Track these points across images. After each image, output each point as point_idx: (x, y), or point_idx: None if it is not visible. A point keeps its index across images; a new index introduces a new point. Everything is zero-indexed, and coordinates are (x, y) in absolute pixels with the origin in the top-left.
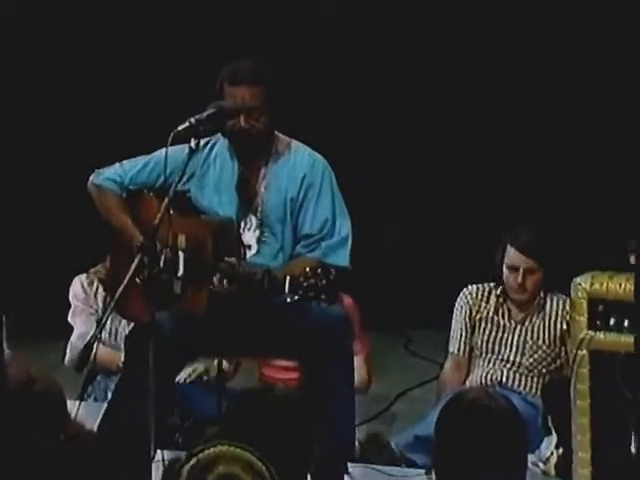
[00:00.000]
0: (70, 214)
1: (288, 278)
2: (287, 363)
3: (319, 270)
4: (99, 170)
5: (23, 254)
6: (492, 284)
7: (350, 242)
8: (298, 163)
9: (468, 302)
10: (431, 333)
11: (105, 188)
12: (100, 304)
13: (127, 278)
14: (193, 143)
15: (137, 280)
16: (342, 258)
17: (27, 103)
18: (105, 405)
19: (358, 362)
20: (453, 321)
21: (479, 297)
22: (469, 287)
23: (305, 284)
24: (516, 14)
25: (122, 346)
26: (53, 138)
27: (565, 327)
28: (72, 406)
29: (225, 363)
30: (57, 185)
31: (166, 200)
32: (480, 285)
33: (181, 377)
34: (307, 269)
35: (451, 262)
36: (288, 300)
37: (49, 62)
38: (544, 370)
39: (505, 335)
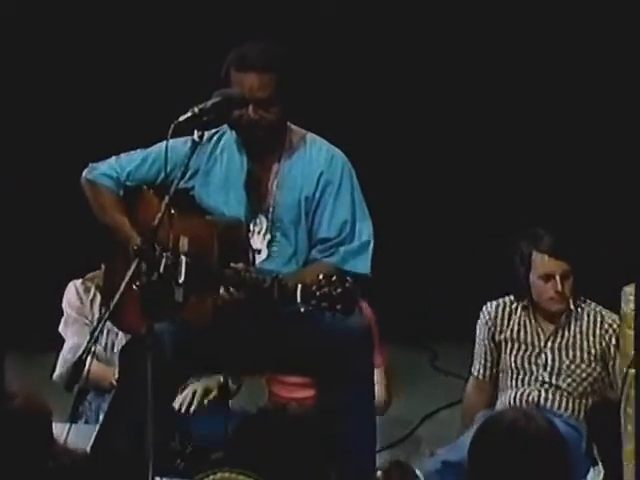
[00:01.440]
0: (66, 212)
1: (300, 286)
2: (300, 380)
3: (334, 277)
4: (93, 164)
5: (10, 255)
6: (514, 297)
7: (372, 247)
8: (314, 158)
9: (487, 322)
10: (460, 347)
11: (99, 184)
12: (96, 313)
13: (123, 285)
14: (196, 135)
15: (134, 287)
16: (363, 264)
17: (16, 94)
18: (97, 428)
19: (376, 376)
20: (476, 342)
21: (500, 315)
22: (488, 305)
23: (318, 293)
24: (525, 14)
25: (116, 361)
26: (44, 129)
27: (614, 342)
28: (61, 429)
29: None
30: (49, 180)
31: (167, 198)
32: (501, 301)
33: (180, 404)
34: (320, 276)
35: (481, 269)
36: (301, 310)
37: (43, 45)
38: (587, 391)
39: (536, 353)
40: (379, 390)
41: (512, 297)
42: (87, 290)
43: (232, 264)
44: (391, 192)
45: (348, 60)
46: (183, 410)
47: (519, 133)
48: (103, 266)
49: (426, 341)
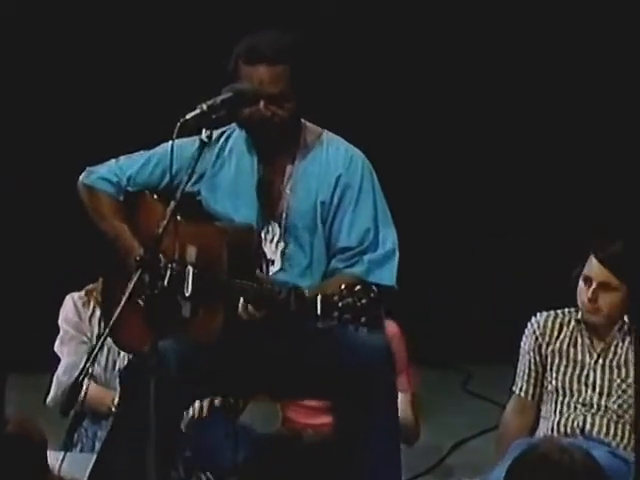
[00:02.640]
0: (62, 219)
1: (320, 297)
2: (316, 404)
3: (357, 287)
4: (91, 168)
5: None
6: (568, 310)
7: (397, 256)
8: (331, 159)
9: (535, 332)
10: (495, 369)
11: (98, 189)
12: (95, 330)
13: (124, 299)
14: (205, 135)
15: (136, 301)
16: (388, 275)
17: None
18: (94, 457)
19: (402, 403)
20: (520, 355)
21: (550, 326)
22: (538, 315)
23: (340, 304)
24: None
25: (116, 383)
26: (40, 130)
27: None
28: (55, 457)
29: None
30: (45, 185)
31: (172, 204)
32: (553, 312)
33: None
34: (342, 286)
35: (521, 282)
36: (320, 326)
37: (42, 42)
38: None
39: (585, 372)
40: (406, 416)
41: (568, 309)
42: (86, 304)
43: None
44: (416, 199)
45: (367, 51)
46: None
47: (555, 140)
48: (101, 278)
49: (458, 361)
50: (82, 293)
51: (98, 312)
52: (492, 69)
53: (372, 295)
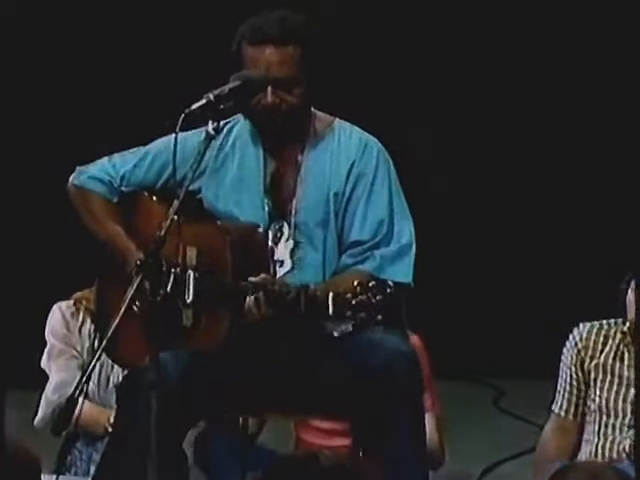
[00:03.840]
0: (49, 222)
1: (331, 296)
2: (332, 426)
3: (372, 283)
4: (81, 168)
5: None
6: (614, 321)
7: (413, 252)
8: (344, 147)
9: (577, 345)
10: (530, 385)
11: (90, 190)
12: (86, 343)
13: (123, 307)
14: (211, 127)
15: (134, 309)
16: (402, 272)
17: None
18: None
19: (426, 424)
20: (560, 370)
21: (594, 338)
22: (581, 326)
23: (354, 302)
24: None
25: (112, 401)
26: (26, 127)
27: None
28: None
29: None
30: (29, 185)
31: (175, 203)
32: (597, 323)
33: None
34: (355, 283)
35: (559, 289)
36: (335, 334)
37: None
38: None
39: (632, 390)
40: (430, 439)
41: (614, 320)
42: (74, 314)
43: (250, 278)
44: (435, 185)
45: (382, 32)
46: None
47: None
48: (95, 285)
49: (488, 376)
50: (70, 302)
51: (89, 322)
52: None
53: (388, 291)
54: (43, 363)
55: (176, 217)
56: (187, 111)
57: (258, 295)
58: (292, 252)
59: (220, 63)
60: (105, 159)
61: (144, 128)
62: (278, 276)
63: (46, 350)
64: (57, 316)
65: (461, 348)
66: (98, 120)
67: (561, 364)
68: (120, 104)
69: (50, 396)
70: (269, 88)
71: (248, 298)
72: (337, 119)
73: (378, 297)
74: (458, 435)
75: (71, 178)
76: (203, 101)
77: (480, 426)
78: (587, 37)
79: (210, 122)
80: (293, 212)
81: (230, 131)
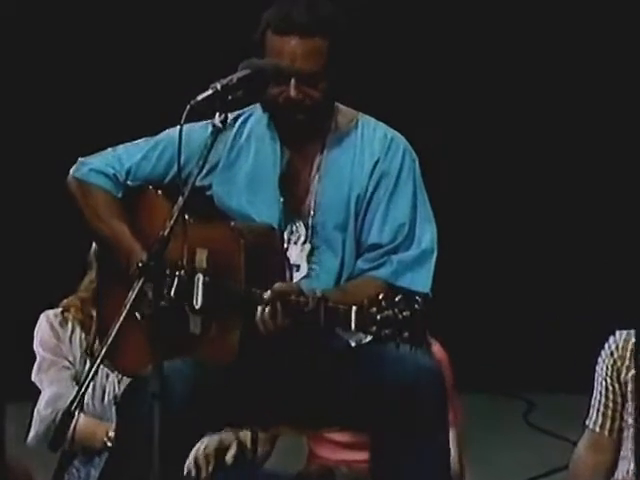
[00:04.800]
0: (40, 219)
1: (354, 310)
2: (348, 439)
3: (399, 297)
4: (83, 159)
5: None
6: None
7: (434, 259)
8: (367, 144)
9: (613, 355)
10: (561, 398)
11: (92, 184)
12: (78, 353)
13: (125, 312)
14: (219, 119)
15: (136, 315)
16: (421, 280)
17: None
18: None
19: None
20: (595, 382)
21: (631, 348)
22: (617, 334)
23: (379, 317)
24: None
25: (111, 414)
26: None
27: None
28: None
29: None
30: (20, 176)
31: (180, 200)
32: (634, 331)
33: (187, 468)
34: (381, 295)
35: (594, 296)
36: (353, 344)
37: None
38: None
39: None
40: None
41: None
42: (63, 323)
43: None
44: (463, 188)
45: (411, 26)
46: (193, 474)
47: None
48: (96, 287)
49: (518, 390)
50: (58, 310)
51: (79, 330)
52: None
53: (416, 306)
54: (33, 376)
55: (181, 216)
56: (193, 102)
57: (275, 305)
58: (309, 256)
59: (228, 53)
60: (109, 150)
61: (149, 123)
62: (294, 281)
63: (36, 363)
64: (45, 326)
65: (487, 358)
66: (98, 120)
67: (596, 375)
68: (120, 104)
69: (43, 411)
70: (292, 81)
71: (262, 308)
72: (361, 114)
73: (405, 313)
74: (484, 452)
75: (72, 170)
76: (210, 91)
77: (508, 442)
78: (599, 35)
79: (217, 114)
80: (311, 213)
81: (245, 123)
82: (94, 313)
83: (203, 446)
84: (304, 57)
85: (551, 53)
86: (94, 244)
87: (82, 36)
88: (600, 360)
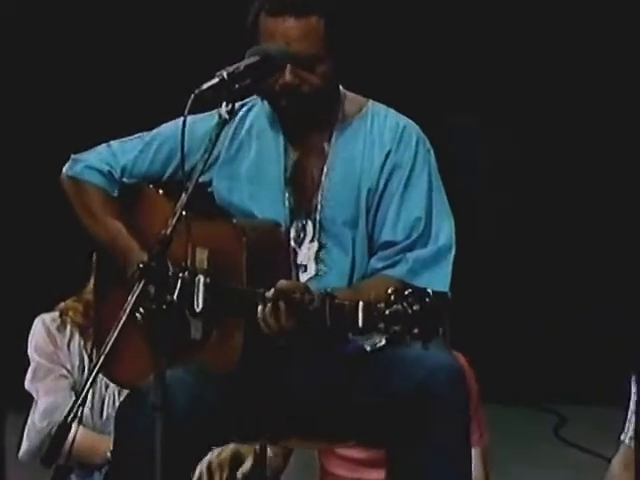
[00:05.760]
0: (31, 219)
1: (361, 305)
2: (363, 455)
3: (408, 291)
4: (76, 156)
5: None
6: None
7: (452, 256)
8: (377, 134)
9: None
10: (595, 411)
11: (86, 182)
12: (76, 360)
13: (124, 317)
14: (225, 109)
15: (136, 319)
16: (439, 278)
17: None
18: None
19: (473, 458)
20: (631, 394)
21: None
22: None
23: (387, 312)
24: None
25: (110, 427)
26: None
27: None
28: None
29: (270, 451)
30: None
31: (183, 197)
32: None
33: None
34: (389, 291)
35: (628, 305)
36: (367, 348)
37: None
38: None
39: None
40: (475, 475)
41: None
42: (61, 327)
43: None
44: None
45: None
46: None
47: None
48: (92, 290)
49: (548, 402)
50: (55, 314)
51: (77, 336)
52: None
53: (427, 300)
54: (27, 384)
55: (184, 213)
56: (197, 91)
57: (278, 304)
58: (317, 255)
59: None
60: (103, 146)
61: (147, 109)
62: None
63: (30, 370)
64: (41, 331)
65: (516, 369)
66: (98, 121)
67: (631, 387)
68: (121, 104)
69: (38, 423)
70: (288, 66)
71: (264, 307)
72: (371, 101)
73: (415, 307)
74: (513, 469)
75: (65, 168)
76: (215, 80)
77: (538, 458)
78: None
79: (224, 104)
80: (318, 209)
81: (246, 115)
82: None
83: (217, 452)
84: (299, 38)
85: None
86: None
87: (79, 32)
88: (634, 372)
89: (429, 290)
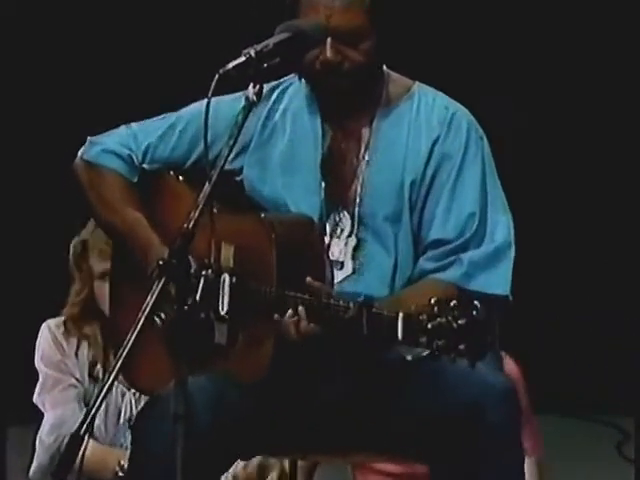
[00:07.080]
0: (30, 211)
1: (401, 316)
2: (401, 468)
3: (453, 302)
4: (93, 139)
5: None
6: None
7: (512, 255)
8: (424, 119)
9: None
10: None
11: (104, 167)
12: (85, 369)
13: (142, 319)
14: (252, 91)
15: (156, 321)
16: (498, 281)
17: None
18: None
19: (527, 469)
20: None
21: None
22: None
23: (430, 325)
24: None
25: (126, 439)
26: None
27: None
28: None
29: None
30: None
31: (207, 187)
32: None
33: None
34: (432, 301)
35: None
36: (408, 358)
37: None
38: None
39: None
40: None
41: None
42: (67, 334)
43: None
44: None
45: None
46: None
47: None
48: (108, 287)
49: (610, 416)
50: (60, 319)
51: (86, 343)
52: None
53: (475, 313)
54: (35, 398)
55: (208, 206)
56: (222, 71)
57: (298, 309)
58: (354, 252)
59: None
60: (123, 127)
61: (171, 89)
62: (336, 281)
63: (39, 383)
64: (47, 338)
65: (574, 377)
66: (98, 121)
67: None
68: (122, 105)
69: (46, 439)
70: (329, 41)
71: (292, 311)
72: (417, 83)
73: (461, 321)
74: None
75: (80, 152)
76: (242, 58)
77: (598, 475)
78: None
79: (251, 85)
80: (357, 200)
81: (281, 96)
82: (91, 326)
83: (242, 465)
84: (342, 11)
85: None
86: (72, 250)
87: (80, 30)
88: None
89: (476, 302)
